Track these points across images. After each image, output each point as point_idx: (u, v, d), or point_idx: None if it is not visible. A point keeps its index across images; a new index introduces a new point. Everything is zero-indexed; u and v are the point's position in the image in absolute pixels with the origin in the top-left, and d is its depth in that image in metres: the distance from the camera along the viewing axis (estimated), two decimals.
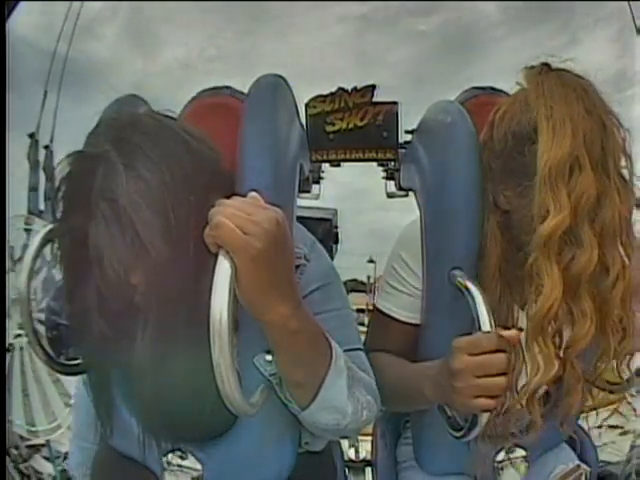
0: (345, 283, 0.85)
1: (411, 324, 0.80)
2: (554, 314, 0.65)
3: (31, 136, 3.52)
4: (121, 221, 0.53)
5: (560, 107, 0.66)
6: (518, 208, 0.71)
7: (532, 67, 0.73)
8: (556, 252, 0.65)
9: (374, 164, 7.43)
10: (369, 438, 1.04)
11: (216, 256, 0.51)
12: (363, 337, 0.82)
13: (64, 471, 1.87)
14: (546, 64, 0.72)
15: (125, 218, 0.53)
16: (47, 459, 1.99)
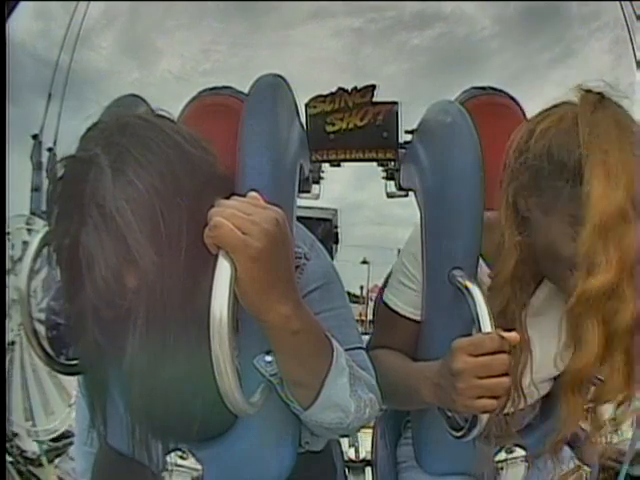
0: None
1: (417, 321, 0.80)
2: (590, 370, 0.65)
3: (34, 137, 3.52)
4: (110, 226, 0.53)
5: (615, 153, 0.62)
6: (538, 222, 0.69)
7: (588, 91, 0.68)
8: (599, 309, 0.62)
9: (374, 164, 7.42)
10: (369, 431, 1.03)
11: (215, 258, 0.51)
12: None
13: (49, 451, 1.87)
14: (602, 95, 0.67)
15: (113, 223, 0.53)
16: (37, 441, 2.00)
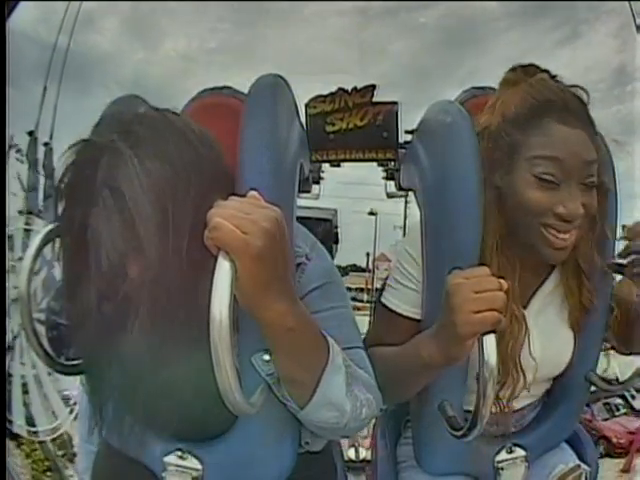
0: (345, 267, 0.86)
1: (416, 320, 0.80)
2: None
3: (30, 134, 3.50)
4: (121, 211, 0.54)
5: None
6: (507, 185, 0.75)
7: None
8: None
9: (374, 164, 7.42)
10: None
11: (215, 256, 0.51)
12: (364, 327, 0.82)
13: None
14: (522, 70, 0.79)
15: (125, 208, 0.54)
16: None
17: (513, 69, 0.80)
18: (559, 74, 0.78)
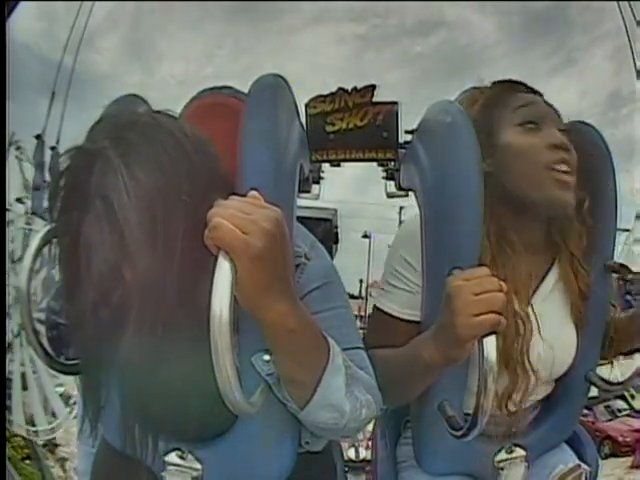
0: None
1: (413, 322, 0.80)
2: None
3: (37, 137, 3.54)
4: (111, 221, 0.53)
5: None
6: (501, 162, 0.79)
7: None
8: None
9: (374, 164, 7.42)
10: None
11: (215, 259, 0.51)
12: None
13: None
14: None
15: (115, 219, 0.53)
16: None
17: (464, 92, 0.89)
18: (556, 99, 0.84)
